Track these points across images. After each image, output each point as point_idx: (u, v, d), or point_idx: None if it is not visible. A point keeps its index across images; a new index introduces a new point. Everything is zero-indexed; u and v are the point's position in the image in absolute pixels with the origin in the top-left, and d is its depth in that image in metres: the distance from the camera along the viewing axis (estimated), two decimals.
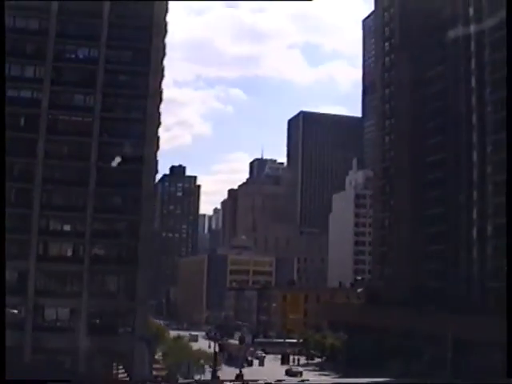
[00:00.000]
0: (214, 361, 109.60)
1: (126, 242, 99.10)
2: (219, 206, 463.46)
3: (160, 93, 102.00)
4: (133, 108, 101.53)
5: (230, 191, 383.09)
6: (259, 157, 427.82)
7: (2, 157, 43.06)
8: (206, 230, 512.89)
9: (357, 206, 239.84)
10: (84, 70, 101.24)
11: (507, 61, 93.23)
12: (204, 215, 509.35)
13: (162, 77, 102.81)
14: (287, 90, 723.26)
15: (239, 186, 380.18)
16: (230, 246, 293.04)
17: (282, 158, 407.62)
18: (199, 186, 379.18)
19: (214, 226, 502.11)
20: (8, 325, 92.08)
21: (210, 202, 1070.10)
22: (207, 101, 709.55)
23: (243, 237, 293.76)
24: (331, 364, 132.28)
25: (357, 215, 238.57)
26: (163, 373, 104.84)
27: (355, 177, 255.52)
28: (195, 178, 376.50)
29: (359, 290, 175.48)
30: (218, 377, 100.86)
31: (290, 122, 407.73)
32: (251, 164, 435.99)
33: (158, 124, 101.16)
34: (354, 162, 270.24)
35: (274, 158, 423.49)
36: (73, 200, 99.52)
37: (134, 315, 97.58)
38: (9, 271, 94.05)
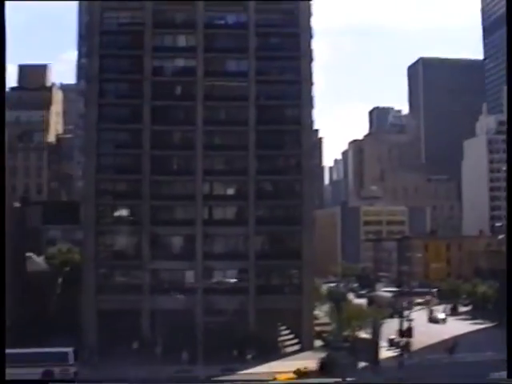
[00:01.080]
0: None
1: (289, 203, 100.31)
2: (337, 157, 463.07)
3: (311, 52, 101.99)
4: (287, 70, 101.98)
5: (353, 142, 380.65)
6: (377, 106, 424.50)
7: (1, 157, 43.92)
8: (326, 182, 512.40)
9: (490, 151, 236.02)
10: (235, 35, 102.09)
11: (507, 61, 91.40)
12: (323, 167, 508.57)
13: (311, 36, 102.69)
14: (403, 37, 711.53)
15: (364, 136, 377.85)
16: (361, 197, 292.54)
17: (400, 106, 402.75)
18: (321, 139, 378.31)
19: (335, 177, 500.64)
20: (180, 289, 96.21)
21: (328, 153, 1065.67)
22: (322, 50, 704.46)
23: (374, 187, 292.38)
24: (481, 312, 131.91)
25: (491, 161, 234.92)
26: (327, 328, 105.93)
27: (486, 122, 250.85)
28: (317, 130, 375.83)
29: (500, 237, 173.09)
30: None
31: (409, 69, 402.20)
32: (370, 113, 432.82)
33: (312, 83, 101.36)
34: (484, 106, 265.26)
35: (391, 106, 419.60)
36: (234, 164, 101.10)
37: (301, 275, 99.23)
38: (177, 237, 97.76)
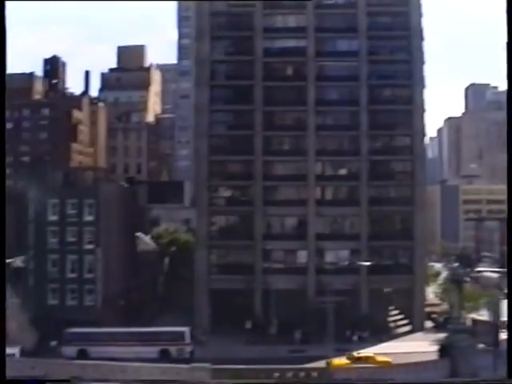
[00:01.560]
0: None
1: (401, 183, 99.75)
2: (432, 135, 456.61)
3: (421, 30, 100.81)
4: (397, 49, 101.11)
5: (449, 119, 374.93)
6: (473, 82, 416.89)
7: (1, 156, 44.05)
8: None
9: None
10: (345, 15, 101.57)
11: (507, 60, 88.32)
12: None
13: (420, 14, 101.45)
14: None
15: (462, 114, 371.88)
16: (460, 175, 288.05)
17: (497, 83, 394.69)
18: None
19: (430, 155, 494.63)
20: (292, 269, 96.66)
21: None
22: None
23: (473, 165, 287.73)
24: None
25: None
26: (436, 309, 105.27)
27: None
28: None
29: None
30: None
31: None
32: (466, 90, 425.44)
33: (423, 62, 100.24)
34: None
35: (487, 83, 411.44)
36: (345, 144, 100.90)
37: (412, 255, 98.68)
38: (289, 217, 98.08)
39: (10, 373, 41.06)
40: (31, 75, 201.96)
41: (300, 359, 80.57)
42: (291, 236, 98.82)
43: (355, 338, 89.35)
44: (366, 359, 77.70)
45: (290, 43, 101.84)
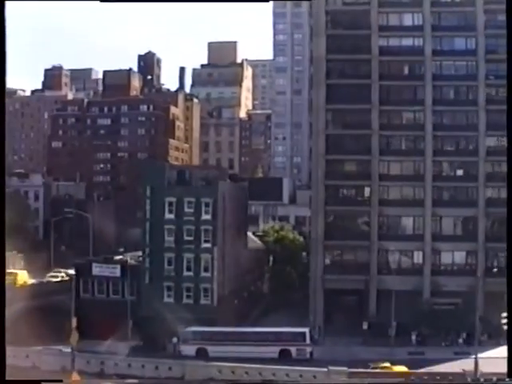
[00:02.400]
0: None
1: None
2: None
3: None
4: None
5: None
6: None
7: (1, 156, 43.47)
8: None
9: None
10: (462, 13, 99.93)
11: (507, 60, 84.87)
12: None
13: None
14: None
15: None
16: None
17: None
18: None
19: None
20: (406, 270, 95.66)
21: None
22: None
23: None
24: None
25: None
26: None
27: None
28: None
29: None
30: None
31: None
32: None
33: None
34: None
35: None
36: (463, 144, 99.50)
37: None
38: (406, 217, 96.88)
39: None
40: (128, 72, 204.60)
41: (420, 362, 79.83)
42: (407, 237, 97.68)
43: (474, 340, 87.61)
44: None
45: (406, 42, 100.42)
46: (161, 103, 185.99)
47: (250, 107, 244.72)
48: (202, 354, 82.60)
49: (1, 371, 27.61)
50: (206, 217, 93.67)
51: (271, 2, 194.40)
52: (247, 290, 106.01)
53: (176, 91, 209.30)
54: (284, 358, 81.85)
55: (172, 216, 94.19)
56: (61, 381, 61.53)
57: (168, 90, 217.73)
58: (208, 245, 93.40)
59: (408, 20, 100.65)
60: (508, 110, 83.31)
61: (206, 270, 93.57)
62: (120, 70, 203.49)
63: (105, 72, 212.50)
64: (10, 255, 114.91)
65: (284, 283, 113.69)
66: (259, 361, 76.18)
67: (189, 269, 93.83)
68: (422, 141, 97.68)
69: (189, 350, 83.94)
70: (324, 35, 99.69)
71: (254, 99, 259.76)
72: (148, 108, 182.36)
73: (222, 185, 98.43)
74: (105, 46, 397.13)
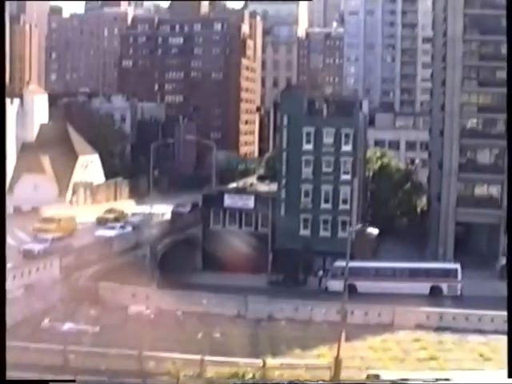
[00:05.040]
0: None
1: None
2: None
3: None
4: None
5: None
6: None
7: (2, 156, 41.80)
8: None
9: None
10: None
11: (507, 60, 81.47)
12: None
13: None
14: None
15: None
16: None
17: None
18: None
19: None
20: None
21: None
22: None
23: None
24: None
25: None
26: None
27: None
28: None
29: None
30: None
31: None
32: None
33: None
34: None
35: None
36: None
37: None
38: None
39: None
40: None
41: None
42: None
43: None
44: None
45: None
46: (233, 21, 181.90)
47: (308, 26, 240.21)
48: (350, 290, 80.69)
49: (1, 371, 26.19)
50: (345, 148, 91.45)
51: None
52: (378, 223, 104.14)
53: (242, 9, 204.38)
54: (435, 294, 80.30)
55: (310, 147, 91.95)
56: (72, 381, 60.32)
57: (232, 8, 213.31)
58: (347, 177, 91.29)
59: None
60: (508, 110, 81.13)
61: (344, 202, 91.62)
62: None
63: None
64: (112, 183, 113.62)
65: (398, 213, 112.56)
66: (408, 297, 74.26)
67: (327, 201, 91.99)
68: None
69: (337, 285, 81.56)
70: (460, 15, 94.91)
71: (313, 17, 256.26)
72: (222, 27, 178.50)
73: (360, 115, 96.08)
74: None
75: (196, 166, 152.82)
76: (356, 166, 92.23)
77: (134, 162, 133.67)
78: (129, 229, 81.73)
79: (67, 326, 55.15)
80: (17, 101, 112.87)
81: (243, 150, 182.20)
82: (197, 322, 59.86)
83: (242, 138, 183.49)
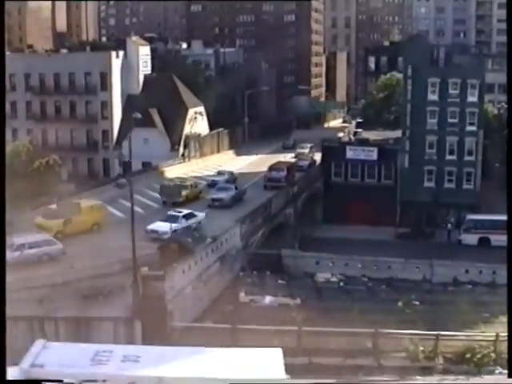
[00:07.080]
0: None
1: None
2: None
3: None
4: None
5: None
6: None
7: (1, 156, 40.94)
8: None
9: None
10: None
11: (507, 60, 78.73)
12: None
13: None
14: None
15: None
16: None
17: None
18: None
19: None
20: None
21: None
22: None
23: None
24: None
25: None
26: None
27: None
28: None
29: None
30: None
31: None
32: None
33: None
34: None
35: None
36: None
37: None
38: None
39: None
40: None
41: None
42: None
43: None
44: None
45: None
46: None
47: None
48: (484, 244, 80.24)
49: (1, 371, 25.99)
50: (471, 99, 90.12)
51: None
52: None
53: None
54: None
55: (435, 97, 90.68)
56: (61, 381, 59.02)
57: None
58: (473, 128, 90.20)
59: None
60: (508, 110, 79.33)
61: (469, 153, 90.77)
62: None
63: None
64: (215, 134, 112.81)
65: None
66: None
67: (451, 152, 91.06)
68: None
69: (470, 238, 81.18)
70: None
71: None
72: None
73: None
74: None
75: (277, 111, 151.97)
76: (482, 117, 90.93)
77: (223, 110, 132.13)
78: None
79: (267, 299, 53.75)
80: (121, 53, 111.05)
81: (313, 93, 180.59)
82: (388, 289, 58.93)
83: (313, 81, 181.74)
